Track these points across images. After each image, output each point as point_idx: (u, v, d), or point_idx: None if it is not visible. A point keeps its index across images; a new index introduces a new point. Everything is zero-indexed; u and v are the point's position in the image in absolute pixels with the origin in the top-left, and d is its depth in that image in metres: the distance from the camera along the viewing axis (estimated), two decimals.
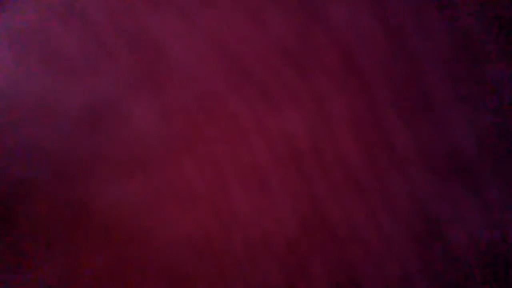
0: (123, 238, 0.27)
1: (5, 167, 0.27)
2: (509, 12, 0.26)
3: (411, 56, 0.26)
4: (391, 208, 0.27)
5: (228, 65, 0.27)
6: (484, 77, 0.27)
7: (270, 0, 0.26)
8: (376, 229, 0.27)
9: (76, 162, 0.27)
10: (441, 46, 0.26)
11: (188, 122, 0.27)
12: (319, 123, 0.27)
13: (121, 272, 0.28)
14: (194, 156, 0.27)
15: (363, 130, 0.27)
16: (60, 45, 0.27)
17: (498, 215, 0.27)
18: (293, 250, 0.27)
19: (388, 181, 0.27)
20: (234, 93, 0.27)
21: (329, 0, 0.26)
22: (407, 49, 0.26)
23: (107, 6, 0.27)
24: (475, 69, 0.26)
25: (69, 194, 0.27)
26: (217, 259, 0.27)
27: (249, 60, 0.27)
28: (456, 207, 0.26)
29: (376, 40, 0.26)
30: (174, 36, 0.27)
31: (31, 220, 0.27)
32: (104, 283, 0.27)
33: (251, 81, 0.27)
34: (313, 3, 0.26)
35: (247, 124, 0.27)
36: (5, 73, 0.27)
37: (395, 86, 0.26)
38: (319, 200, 0.27)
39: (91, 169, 0.27)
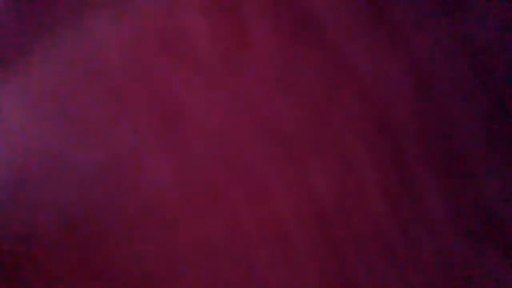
0: None
1: (17, 218, 0.27)
2: None
3: (444, 114, 0.25)
4: (422, 272, 0.25)
5: (254, 123, 0.26)
6: None
7: (296, 60, 0.26)
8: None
9: (89, 217, 0.27)
10: (476, 105, 0.25)
11: (209, 179, 0.27)
12: (346, 182, 0.26)
13: None
14: (214, 214, 0.27)
15: (392, 190, 0.26)
16: (78, 101, 0.27)
17: None
18: None
19: (419, 243, 0.25)
20: (258, 150, 0.27)
21: (358, 56, 0.25)
22: (439, 107, 0.25)
23: (128, 64, 0.27)
24: (510, 128, 0.25)
25: (80, 248, 0.27)
26: None
27: (276, 118, 0.26)
28: (490, 272, 0.25)
29: (407, 99, 0.25)
30: (197, 94, 0.26)
31: (37, 265, 0.27)
32: None
33: (277, 140, 0.26)
34: (343, 60, 0.25)
35: (271, 183, 0.26)
36: (19, 129, 0.28)
37: (427, 145, 0.25)
38: (346, 261, 0.26)
39: (105, 224, 0.27)
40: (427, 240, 0.26)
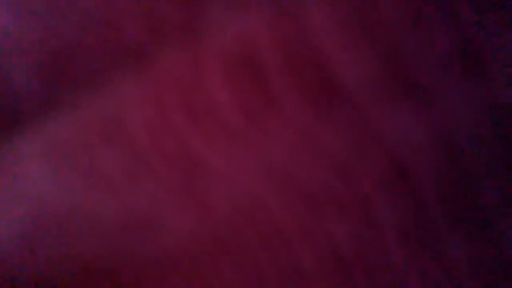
0: None
1: (31, 273, 0.27)
2: None
3: (463, 166, 0.25)
4: None
5: (274, 177, 0.26)
6: None
7: (322, 121, 0.26)
8: None
9: (108, 271, 0.27)
10: (494, 158, 0.25)
11: (228, 228, 0.27)
12: (366, 231, 0.26)
13: None
14: (233, 262, 0.27)
15: (411, 239, 0.26)
16: (99, 160, 0.27)
17: None
18: None
19: None
20: (277, 201, 0.26)
21: (383, 120, 0.25)
22: (460, 163, 0.25)
23: (149, 123, 0.27)
24: None
25: None
26: None
27: (297, 173, 0.26)
28: None
29: (429, 156, 0.25)
30: (218, 153, 0.26)
31: None
32: None
33: (297, 191, 0.26)
34: (368, 123, 0.25)
35: (290, 230, 0.26)
36: (41, 185, 0.27)
37: (446, 196, 0.25)
38: None
39: (125, 277, 0.27)
40: None
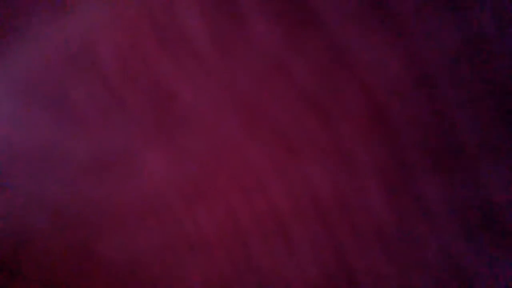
0: (132, 286, 0.26)
1: (8, 216, 0.27)
2: None
3: (441, 104, 0.25)
4: (419, 262, 0.25)
5: (247, 112, 0.26)
6: None
7: (294, 51, 0.25)
8: (404, 284, 0.25)
9: (80, 211, 0.26)
10: (476, 97, 0.25)
11: (201, 168, 0.26)
12: (343, 172, 0.26)
13: None
14: (208, 205, 0.26)
15: (389, 180, 0.25)
16: (68, 94, 0.26)
17: None
18: None
19: (416, 233, 0.25)
20: (251, 140, 0.26)
21: (358, 50, 0.25)
22: (439, 100, 0.25)
23: (120, 54, 0.26)
24: (508, 119, 0.25)
25: (73, 242, 0.26)
26: None
27: (270, 108, 0.26)
28: (488, 262, 0.25)
29: (407, 92, 0.25)
30: (189, 84, 0.26)
31: (35, 266, 0.26)
32: None
33: (271, 128, 0.26)
34: (343, 54, 0.25)
35: (264, 171, 0.26)
36: (8, 122, 0.27)
37: (424, 135, 0.25)
38: (343, 250, 0.26)
39: (98, 217, 0.26)
40: (426, 235, 0.25)
